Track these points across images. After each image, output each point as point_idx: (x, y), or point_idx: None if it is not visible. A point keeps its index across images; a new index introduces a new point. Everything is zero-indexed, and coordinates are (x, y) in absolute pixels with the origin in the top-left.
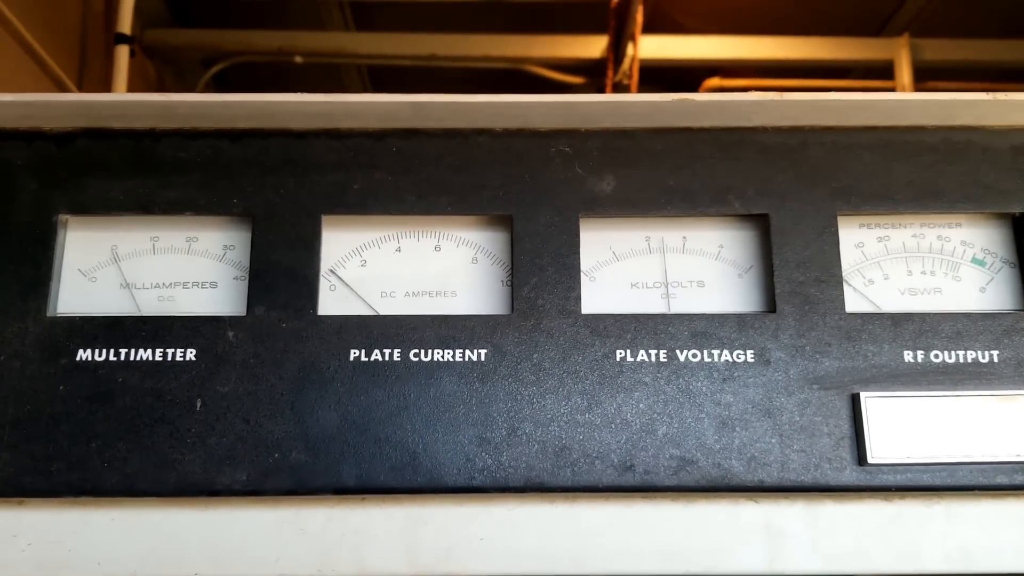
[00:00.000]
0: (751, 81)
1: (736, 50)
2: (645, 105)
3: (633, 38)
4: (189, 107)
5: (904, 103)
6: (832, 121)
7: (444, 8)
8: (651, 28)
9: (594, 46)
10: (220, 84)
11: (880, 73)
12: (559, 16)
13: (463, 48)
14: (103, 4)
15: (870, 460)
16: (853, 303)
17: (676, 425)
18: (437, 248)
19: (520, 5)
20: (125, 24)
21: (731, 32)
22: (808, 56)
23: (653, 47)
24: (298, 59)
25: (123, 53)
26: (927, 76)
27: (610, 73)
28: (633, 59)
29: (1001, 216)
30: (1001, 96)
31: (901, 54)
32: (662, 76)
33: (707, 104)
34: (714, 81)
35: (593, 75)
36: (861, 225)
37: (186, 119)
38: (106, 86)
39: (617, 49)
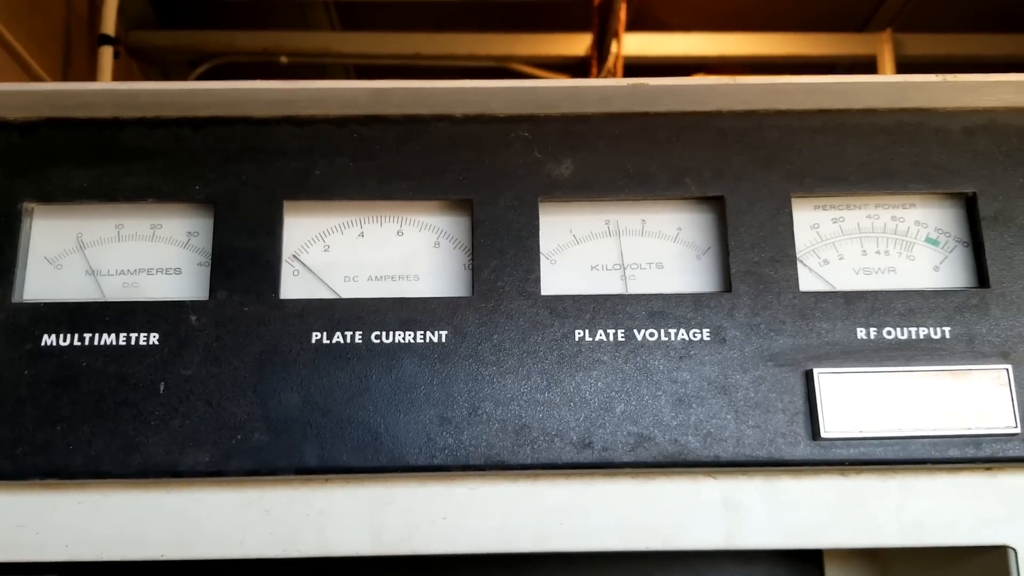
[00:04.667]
0: (735, 78)
1: (720, 47)
2: (601, 90)
3: (617, 36)
4: (151, 95)
5: (855, 85)
6: (785, 104)
7: (429, 7)
8: (635, 26)
9: (578, 44)
10: None
11: (864, 68)
12: (543, 14)
13: (448, 47)
14: (87, 5)
15: (823, 435)
16: (808, 283)
17: (634, 403)
18: (400, 233)
19: (505, 4)
20: (109, 25)
21: (715, 29)
22: (792, 52)
23: (637, 44)
24: (283, 59)
25: (107, 54)
26: (910, 71)
27: (594, 71)
28: (617, 57)
29: (954, 196)
30: (950, 78)
31: (884, 49)
32: (646, 73)
33: (661, 89)
34: (698, 78)
35: (577, 73)
36: (816, 207)
37: (148, 107)
38: None
39: (601, 47)
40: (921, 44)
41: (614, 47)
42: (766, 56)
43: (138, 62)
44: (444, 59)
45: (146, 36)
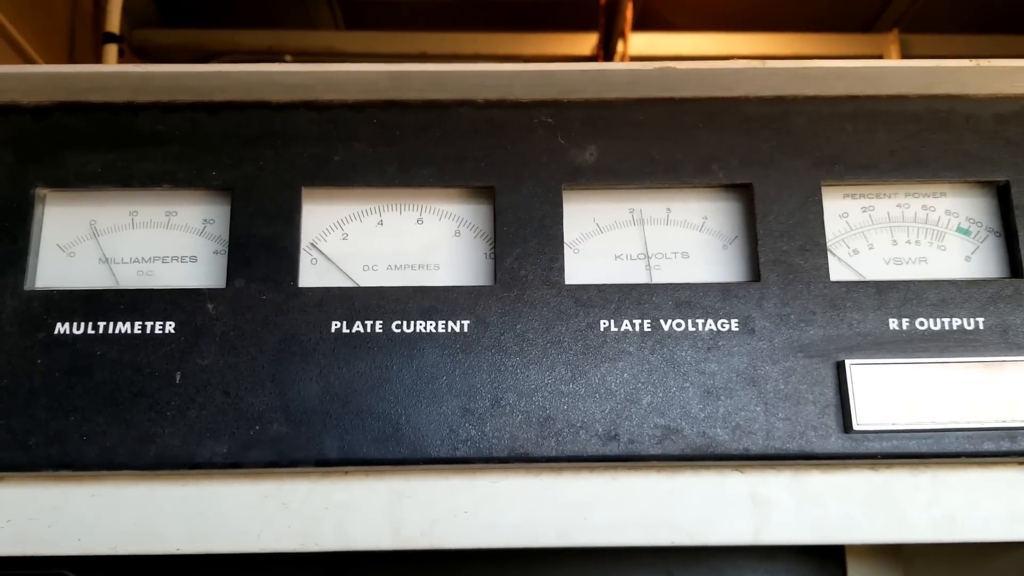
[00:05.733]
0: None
1: (726, 47)
2: (626, 74)
3: (623, 35)
4: (166, 79)
5: (886, 70)
6: (814, 90)
7: (434, 6)
8: (641, 26)
9: (584, 44)
10: None
11: None
12: (549, 14)
13: (453, 46)
14: (91, 4)
15: (855, 427)
16: (838, 273)
17: (660, 394)
18: (420, 221)
19: (510, 3)
20: (113, 23)
21: (721, 29)
22: (798, 52)
23: (643, 44)
24: (288, 58)
25: (112, 52)
26: None
27: None
28: (623, 56)
29: (985, 185)
30: (983, 63)
31: (891, 50)
32: None
33: (689, 73)
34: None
35: None
36: (845, 196)
37: (163, 91)
38: None
39: (607, 47)
40: (928, 45)
41: (620, 47)
42: (772, 56)
43: (142, 60)
44: (449, 58)
45: (150, 34)
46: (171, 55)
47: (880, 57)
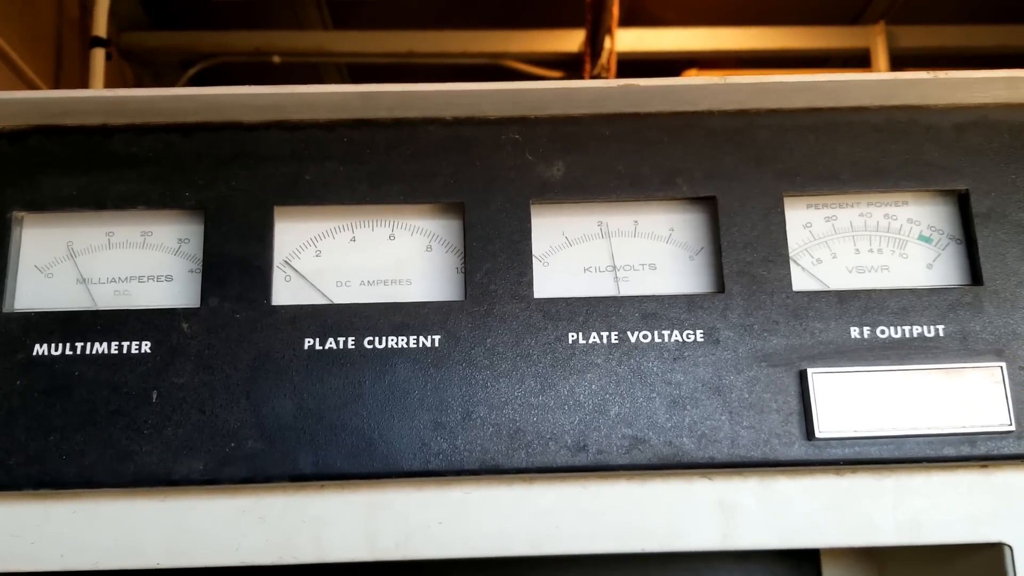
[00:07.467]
0: (729, 72)
1: (714, 42)
2: (591, 91)
3: (610, 31)
4: (139, 102)
5: (846, 84)
6: (776, 103)
7: (422, 4)
8: (628, 21)
9: (571, 40)
10: (198, 85)
11: (857, 62)
12: (537, 11)
13: (441, 44)
14: (78, 7)
15: (818, 435)
16: (801, 282)
17: (628, 405)
18: (391, 237)
19: (497, 1)
20: (100, 27)
21: (708, 24)
22: (786, 46)
23: (630, 40)
24: (276, 59)
25: (99, 56)
26: (904, 63)
27: (588, 67)
28: (611, 52)
29: (946, 193)
30: (942, 75)
31: (877, 42)
32: (640, 69)
33: (652, 89)
34: (692, 73)
35: (571, 69)
36: (809, 206)
37: (137, 114)
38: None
39: (594, 43)
40: (914, 36)
41: (607, 43)
42: (759, 50)
43: (130, 64)
44: (437, 57)
45: (138, 38)
46: (159, 58)
47: (867, 49)
